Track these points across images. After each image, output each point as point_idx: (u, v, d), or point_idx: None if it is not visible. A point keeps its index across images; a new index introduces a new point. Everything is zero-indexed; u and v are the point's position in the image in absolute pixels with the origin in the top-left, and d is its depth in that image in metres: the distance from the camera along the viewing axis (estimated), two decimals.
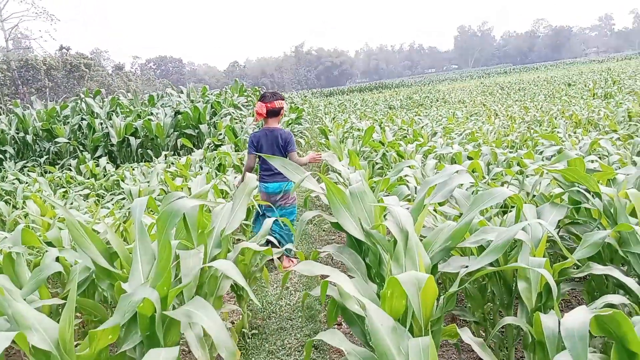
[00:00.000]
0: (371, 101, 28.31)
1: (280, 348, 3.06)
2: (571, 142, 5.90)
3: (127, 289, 2.03)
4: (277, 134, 4.35)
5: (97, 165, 8.81)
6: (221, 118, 12.11)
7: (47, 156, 11.52)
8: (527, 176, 3.71)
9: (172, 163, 7.99)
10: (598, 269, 2.07)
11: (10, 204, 6.19)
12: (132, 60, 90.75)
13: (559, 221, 2.55)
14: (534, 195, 3.16)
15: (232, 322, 3.38)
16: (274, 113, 4.40)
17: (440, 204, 3.15)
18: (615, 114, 9.43)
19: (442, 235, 2.26)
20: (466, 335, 1.88)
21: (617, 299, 1.86)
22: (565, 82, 25.27)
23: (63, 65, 42.57)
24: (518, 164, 4.62)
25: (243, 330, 3.16)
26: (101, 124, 12.05)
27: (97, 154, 11.23)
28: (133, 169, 8.06)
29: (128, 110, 13.23)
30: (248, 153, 4.42)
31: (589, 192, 2.59)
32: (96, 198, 6.43)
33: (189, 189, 4.92)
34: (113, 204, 5.67)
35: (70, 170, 9.33)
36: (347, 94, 47.18)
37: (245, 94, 16.30)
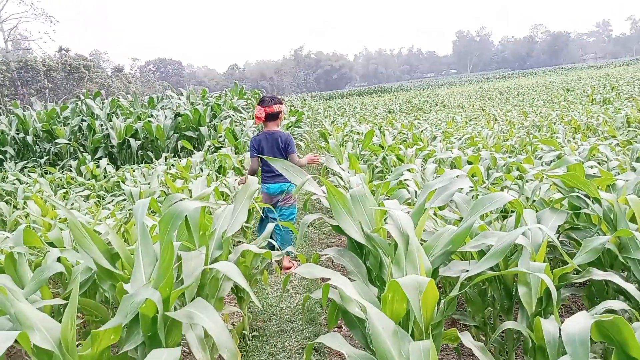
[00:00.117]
0: (370, 105, 28.35)
1: (280, 350, 3.06)
2: (570, 148, 5.92)
3: (129, 289, 2.04)
4: (277, 136, 4.43)
5: (98, 167, 8.81)
6: (221, 120, 12.14)
7: (48, 157, 11.54)
8: (526, 181, 3.72)
9: (173, 165, 8.00)
10: (598, 275, 2.09)
11: (10, 204, 6.19)
12: (131, 62, 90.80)
13: (559, 226, 2.56)
14: (533, 200, 3.17)
15: (233, 324, 3.39)
16: (273, 117, 4.47)
17: (441, 208, 3.16)
18: (614, 119, 9.46)
19: (443, 240, 2.27)
20: (467, 339, 1.89)
21: (617, 304, 1.87)
22: (564, 88, 25.35)
23: (62, 67, 42.56)
24: (517, 169, 4.64)
25: (244, 332, 3.17)
26: (101, 125, 12.07)
27: (98, 155, 11.25)
28: (133, 171, 8.06)
29: (128, 112, 13.26)
30: (250, 156, 4.50)
31: (588, 197, 2.60)
32: (97, 199, 6.43)
33: (190, 190, 4.93)
34: (113, 205, 5.68)
35: (71, 171, 9.33)
36: (347, 98, 47.32)
37: (245, 96, 16.33)
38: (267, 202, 4.41)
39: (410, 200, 3.49)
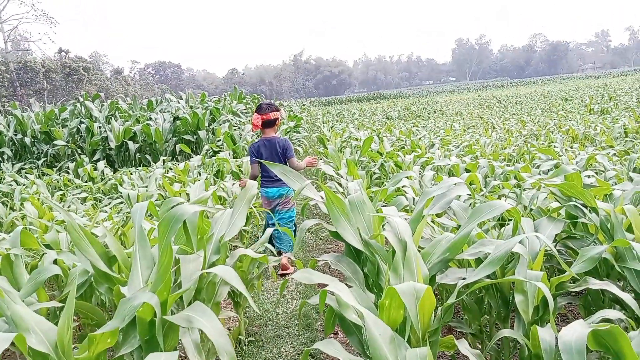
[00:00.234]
0: (369, 111, 28.42)
1: (276, 356, 3.06)
2: (568, 157, 5.94)
3: (126, 293, 2.04)
4: (275, 142, 4.55)
5: (95, 169, 8.81)
6: (220, 125, 12.15)
7: (45, 159, 11.52)
8: (524, 190, 3.73)
9: (170, 168, 7.99)
10: (595, 284, 2.09)
11: (7, 205, 6.18)
12: (130, 65, 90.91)
13: (556, 235, 2.57)
14: (531, 209, 3.18)
15: (229, 329, 3.38)
16: (270, 124, 4.58)
17: (438, 215, 3.17)
18: (611, 129, 9.50)
19: (441, 247, 2.27)
20: (463, 346, 1.89)
21: (613, 314, 1.88)
22: (562, 97, 25.45)
23: (62, 68, 42.58)
24: (515, 178, 4.65)
25: (240, 337, 3.16)
26: (100, 127, 12.06)
27: (95, 158, 11.24)
28: (131, 174, 8.05)
29: (127, 114, 13.26)
30: (250, 163, 4.61)
31: (585, 207, 2.61)
32: (94, 202, 6.42)
33: (187, 194, 4.92)
34: (111, 208, 5.67)
35: (68, 173, 9.32)
36: (345, 104, 47.42)
37: (244, 101, 16.35)
38: (266, 206, 4.52)
39: (408, 207, 3.50)
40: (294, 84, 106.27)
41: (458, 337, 2.33)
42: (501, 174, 4.98)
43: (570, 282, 2.27)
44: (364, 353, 2.06)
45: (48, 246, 3.30)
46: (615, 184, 4.07)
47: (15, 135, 12.10)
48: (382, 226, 2.52)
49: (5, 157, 11.53)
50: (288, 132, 12.13)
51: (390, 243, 2.15)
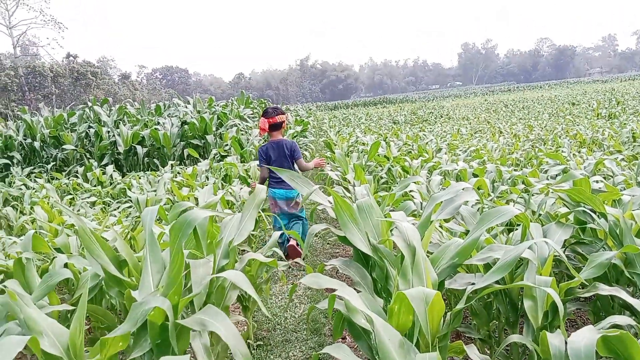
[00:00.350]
0: (375, 116, 28.41)
1: None
2: (576, 162, 5.92)
3: (137, 297, 2.05)
4: (283, 144, 4.74)
5: (104, 173, 8.86)
6: (227, 129, 12.19)
7: (54, 163, 11.61)
8: (532, 195, 3.73)
9: (179, 172, 8.03)
10: (604, 290, 2.09)
11: (17, 209, 6.23)
12: (138, 70, 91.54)
13: (565, 241, 2.57)
14: (539, 214, 3.18)
15: None
16: (276, 127, 4.77)
17: (446, 221, 3.17)
18: (619, 134, 9.46)
19: (449, 252, 2.28)
20: (473, 352, 1.89)
21: (623, 320, 1.88)
22: (570, 102, 25.35)
23: (70, 73, 42.94)
24: (523, 182, 4.65)
25: (248, 341, 3.18)
26: (108, 132, 12.15)
27: (104, 162, 11.31)
28: (139, 178, 8.10)
29: (135, 119, 13.35)
30: (259, 166, 4.82)
31: (594, 212, 2.61)
32: (103, 206, 6.47)
33: (196, 198, 4.95)
34: (119, 212, 5.71)
35: (77, 177, 9.39)
36: (352, 108, 47.41)
37: (251, 105, 16.41)
38: (274, 207, 4.74)
39: (415, 212, 3.50)
40: (301, 89, 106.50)
41: (467, 343, 2.33)
42: (509, 178, 4.97)
43: (580, 288, 2.27)
44: (373, 358, 2.06)
45: (58, 250, 3.33)
46: (624, 189, 4.05)
47: (25, 139, 12.21)
48: (390, 231, 2.52)
49: (15, 161, 11.63)
50: (295, 136, 12.17)
51: (399, 248, 2.16)
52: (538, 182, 4.24)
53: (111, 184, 8.21)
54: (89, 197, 6.97)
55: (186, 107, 14.61)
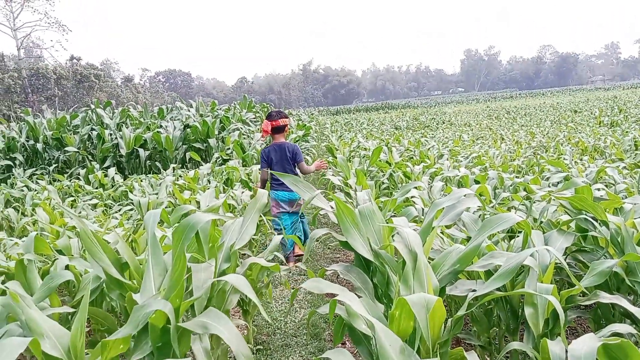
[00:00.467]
0: (377, 121, 28.44)
1: None
2: (578, 169, 5.92)
3: (139, 299, 2.06)
4: (285, 147, 4.86)
5: (106, 176, 8.87)
6: (229, 133, 12.22)
7: (56, 165, 11.62)
8: (534, 202, 3.73)
9: (180, 176, 8.05)
10: (605, 298, 2.09)
11: (19, 211, 6.24)
12: (141, 73, 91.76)
13: (566, 248, 2.57)
14: (541, 222, 3.18)
15: None
16: (279, 130, 4.92)
17: (448, 227, 3.17)
18: (621, 142, 9.46)
19: (451, 258, 2.28)
20: (473, 359, 1.89)
21: (624, 328, 1.88)
22: (572, 109, 25.35)
23: (73, 75, 43.08)
24: (525, 189, 4.65)
25: (248, 345, 3.17)
26: (111, 134, 12.17)
27: (106, 164, 11.32)
28: (141, 181, 8.12)
29: (138, 122, 13.38)
30: (261, 167, 4.94)
31: (596, 220, 2.61)
32: (104, 208, 6.47)
33: (197, 202, 4.96)
34: (121, 215, 5.72)
35: (79, 179, 9.40)
36: (354, 113, 47.50)
37: (254, 110, 16.44)
38: (276, 208, 4.87)
39: (417, 218, 3.50)
40: (303, 93, 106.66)
41: (467, 349, 2.33)
42: (511, 185, 4.97)
43: (580, 296, 2.27)
44: None
45: (60, 252, 3.33)
46: (626, 197, 4.05)
47: (27, 141, 12.24)
48: (392, 236, 2.53)
49: (17, 162, 11.65)
50: (297, 140, 12.18)
51: (401, 254, 2.16)
52: (540, 190, 4.24)
53: (113, 186, 8.22)
54: (90, 200, 6.98)
55: (189, 110, 14.65)
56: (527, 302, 2.10)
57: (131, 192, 7.02)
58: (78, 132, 12.46)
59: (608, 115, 18.18)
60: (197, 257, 2.38)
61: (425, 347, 1.88)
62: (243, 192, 5.76)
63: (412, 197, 4.12)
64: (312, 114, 33.57)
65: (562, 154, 8.28)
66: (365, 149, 9.93)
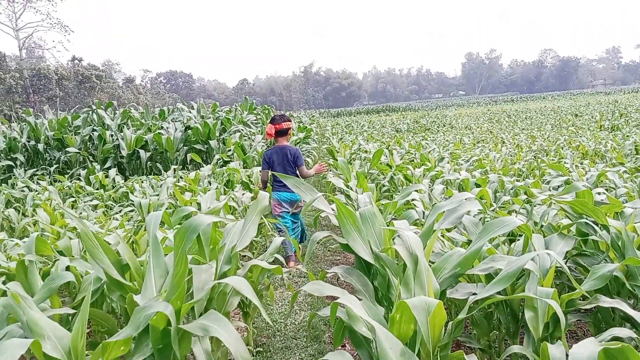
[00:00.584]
0: (378, 123, 28.45)
1: None
2: (578, 173, 5.92)
3: (139, 301, 2.06)
4: (287, 150, 4.97)
5: (107, 177, 8.88)
6: (230, 135, 12.22)
7: (57, 165, 11.62)
8: (534, 206, 3.73)
9: (181, 177, 8.05)
10: (606, 302, 2.09)
11: (19, 211, 6.25)
12: (142, 74, 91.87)
13: (567, 252, 2.57)
14: (541, 225, 3.18)
15: None
16: (283, 133, 5.03)
17: (448, 230, 3.18)
18: (622, 146, 9.47)
19: (451, 261, 2.28)
20: None
21: (624, 332, 1.88)
22: (572, 113, 25.36)
23: (74, 76, 43.12)
24: (525, 193, 4.65)
25: (248, 347, 3.17)
26: (112, 135, 12.18)
27: (107, 165, 11.33)
28: (142, 182, 8.12)
29: (139, 123, 13.39)
30: (262, 169, 5.07)
31: (596, 224, 2.62)
32: (105, 209, 6.48)
33: (198, 204, 4.96)
34: (121, 216, 5.72)
35: (80, 180, 9.41)
36: (355, 115, 47.50)
37: (255, 111, 16.45)
38: (277, 208, 4.96)
39: (418, 221, 3.50)
40: (304, 95, 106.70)
41: (467, 353, 2.33)
42: (511, 189, 4.97)
43: (581, 300, 2.27)
44: None
45: (61, 252, 3.34)
46: (626, 201, 4.06)
47: (29, 141, 12.24)
48: (393, 239, 2.53)
49: (18, 163, 11.66)
50: (297, 143, 12.19)
51: (402, 257, 2.16)
52: (540, 193, 4.25)
53: (113, 187, 8.23)
54: (91, 200, 6.98)
55: (190, 112, 14.66)
56: (528, 305, 2.10)
57: (132, 193, 7.03)
58: (79, 132, 12.47)
59: (609, 120, 18.19)
60: (198, 258, 2.38)
61: (426, 350, 1.88)
62: (244, 193, 5.76)
63: (412, 200, 4.13)
64: (313, 116, 33.58)
65: (562, 158, 8.28)
66: (366, 152, 9.94)
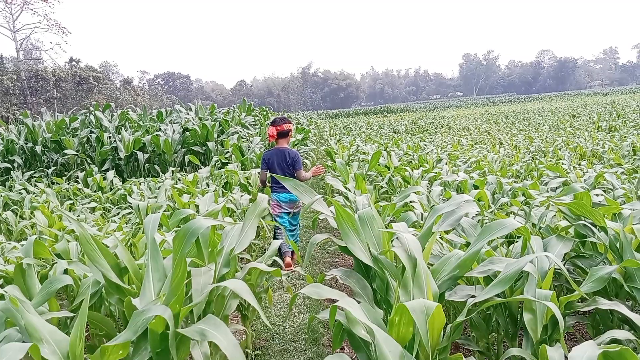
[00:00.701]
0: (376, 125, 28.44)
1: None
2: (576, 175, 5.93)
3: (138, 305, 2.05)
4: (286, 153, 5.07)
5: (104, 179, 8.86)
6: (229, 136, 12.22)
7: (55, 167, 11.60)
8: (533, 207, 3.74)
9: (179, 179, 8.04)
10: (604, 304, 2.09)
11: (17, 214, 6.23)
12: (140, 75, 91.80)
13: (565, 254, 2.58)
14: (540, 227, 3.18)
15: None
16: (283, 135, 5.14)
17: (447, 232, 3.18)
18: (620, 147, 9.49)
19: (450, 264, 2.29)
20: None
21: (622, 334, 1.88)
22: (570, 114, 25.40)
23: (72, 78, 43.04)
24: (523, 194, 4.66)
25: (246, 350, 3.17)
26: (110, 137, 12.16)
27: (105, 167, 11.32)
28: (140, 184, 8.11)
29: (137, 125, 13.37)
30: (261, 169, 5.18)
31: (594, 226, 2.62)
32: (103, 211, 6.46)
33: (196, 206, 4.96)
34: (120, 218, 5.71)
35: (77, 182, 9.39)
36: (353, 117, 47.46)
37: (253, 113, 16.44)
38: (277, 208, 5.00)
39: (416, 223, 3.51)
40: (302, 97, 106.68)
41: (466, 355, 2.33)
42: (509, 190, 4.98)
43: (579, 302, 2.27)
44: None
45: (59, 255, 3.33)
46: (624, 202, 4.07)
47: (26, 143, 12.22)
48: (391, 241, 2.53)
49: (15, 165, 11.63)
50: (296, 144, 12.19)
51: (400, 259, 2.16)
52: (538, 195, 4.25)
53: (111, 189, 8.21)
54: (89, 203, 6.97)
55: (188, 113, 14.65)
56: (526, 308, 2.10)
57: (130, 195, 7.02)
58: (77, 134, 12.45)
59: (606, 120, 18.23)
60: (197, 261, 2.38)
61: (425, 353, 1.88)
62: (242, 195, 5.76)
63: (411, 202, 4.13)
64: (311, 118, 33.60)
65: (560, 159, 8.30)
66: (364, 153, 9.95)
